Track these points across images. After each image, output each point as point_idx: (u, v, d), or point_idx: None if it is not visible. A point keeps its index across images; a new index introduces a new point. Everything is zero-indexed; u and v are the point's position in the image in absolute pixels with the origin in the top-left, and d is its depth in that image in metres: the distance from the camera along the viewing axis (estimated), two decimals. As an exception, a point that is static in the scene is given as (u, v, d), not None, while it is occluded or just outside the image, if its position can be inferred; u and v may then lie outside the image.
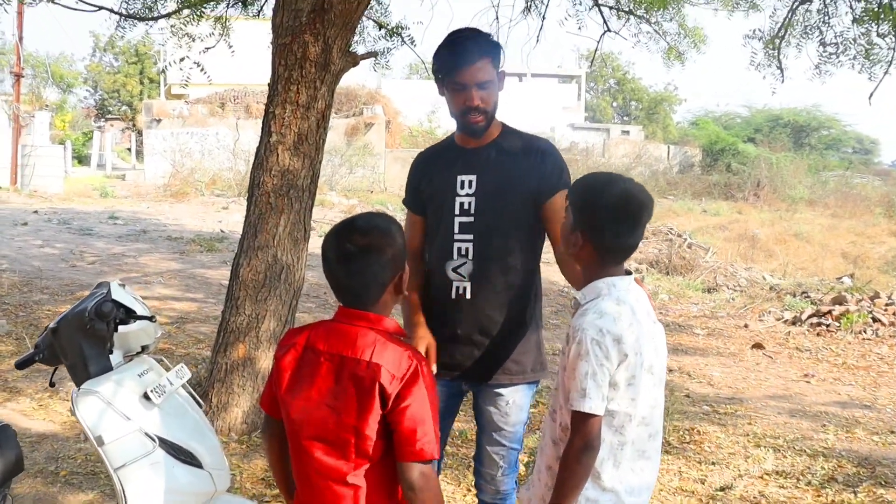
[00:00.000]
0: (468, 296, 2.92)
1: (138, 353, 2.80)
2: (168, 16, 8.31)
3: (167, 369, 2.79)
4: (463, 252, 2.92)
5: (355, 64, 5.21)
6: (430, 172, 3.09)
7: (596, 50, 10.38)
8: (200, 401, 2.89)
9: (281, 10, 4.88)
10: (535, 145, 3.00)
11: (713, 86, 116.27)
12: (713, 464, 5.08)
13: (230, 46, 8.40)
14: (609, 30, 9.55)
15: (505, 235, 2.92)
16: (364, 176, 26.60)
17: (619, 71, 60.66)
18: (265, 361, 4.87)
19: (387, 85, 34.81)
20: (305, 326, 2.22)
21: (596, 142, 37.85)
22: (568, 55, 56.89)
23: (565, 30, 10.44)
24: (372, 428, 2.04)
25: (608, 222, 2.26)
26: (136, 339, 2.73)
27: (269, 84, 5.04)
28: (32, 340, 6.93)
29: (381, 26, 8.46)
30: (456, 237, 2.94)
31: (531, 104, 43.65)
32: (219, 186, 24.31)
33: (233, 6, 8.43)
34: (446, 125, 33.14)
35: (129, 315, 2.66)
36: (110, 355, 2.65)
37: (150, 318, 2.72)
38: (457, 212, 2.94)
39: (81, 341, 2.61)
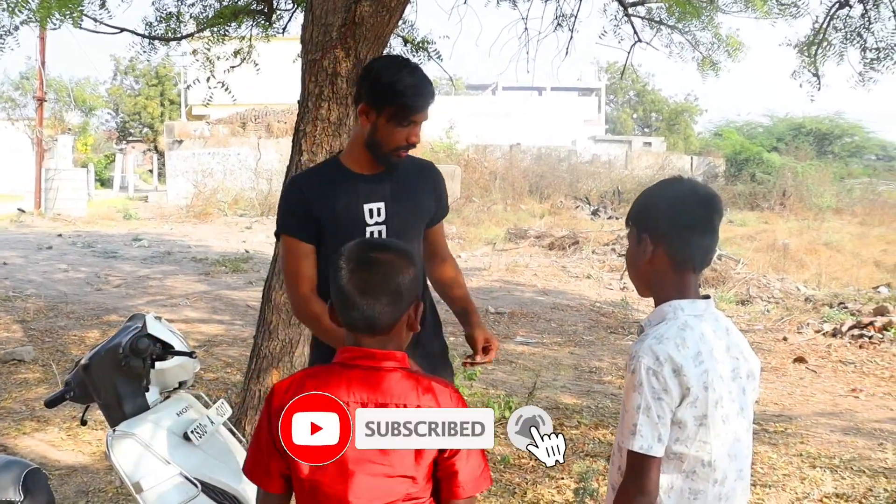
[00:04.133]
0: None
1: (175, 390, 2.64)
2: (190, 36, 8.24)
3: (207, 406, 2.62)
4: None
5: (386, 79, 5.05)
6: (326, 198, 2.80)
7: (626, 61, 10.21)
8: (242, 438, 2.72)
9: (310, 26, 4.74)
10: (426, 166, 2.98)
11: (733, 95, 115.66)
12: (768, 486, 4.85)
13: (256, 65, 8.30)
14: (640, 41, 9.39)
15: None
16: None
17: (638, 82, 60.46)
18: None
19: (407, 101, 34.75)
20: (301, 376, 1.91)
21: (618, 154, 37.60)
22: (587, 68, 56.59)
23: (595, 42, 10.29)
24: (424, 472, 1.82)
25: (678, 220, 2.05)
26: (173, 376, 2.57)
27: (298, 101, 4.89)
28: (59, 367, 6.83)
29: (406, 41, 8.32)
30: None
31: (551, 118, 43.59)
32: (241, 206, 24.30)
33: (256, 26, 8.33)
34: (466, 139, 33.04)
35: (165, 350, 2.50)
36: (146, 393, 2.49)
37: (190, 354, 2.55)
38: None
39: (116, 379, 2.45)
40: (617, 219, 24.36)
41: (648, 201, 2.13)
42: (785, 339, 9.66)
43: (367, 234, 2.78)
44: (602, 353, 8.64)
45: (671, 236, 2.05)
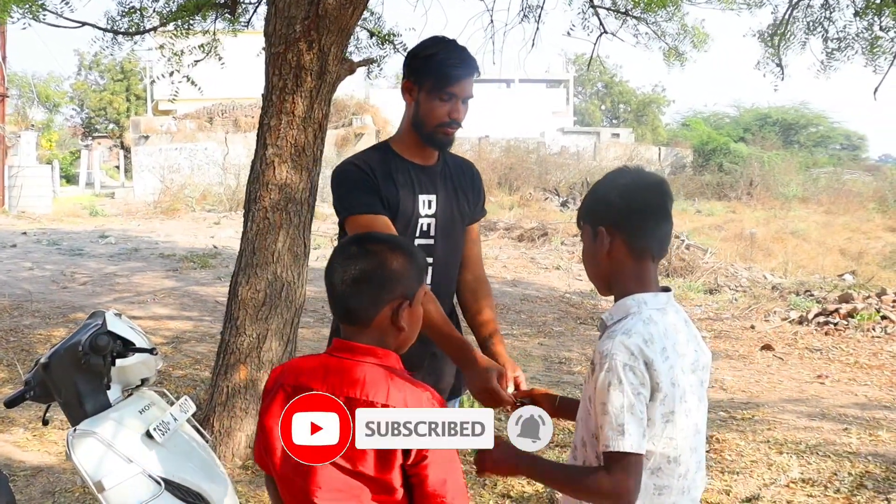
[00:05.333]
0: None
1: (138, 387, 2.60)
2: (154, 30, 8.14)
3: (170, 403, 2.59)
4: None
5: (352, 72, 5.03)
6: (389, 182, 2.75)
7: (592, 53, 10.24)
8: (207, 435, 2.69)
9: (273, 19, 4.70)
10: (468, 165, 2.99)
11: (700, 86, 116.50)
12: (736, 473, 4.89)
13: (220, 59, 8.22)
14: (606, 31, 9.41)
15: (455, 253, 2.91)
16: (355, 187, 26.37)
17: (606, 74, 60.72)
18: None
19: (375, 95, 34.62)
20: (294, 362, 1.94)
21: (586, 146, 37.73)
22: (555, 59, 56.68)
23: (561, 34, 10.30)
24: (396, 479, 1.76)
25: (635, 210, 2.02)
26: (135, 373, 2.53)
27: (262, 95, 4.85)
28: (24, 367, 6.73)
29: (372, 34, 8.28)
30: None
31: (520, 110, 43.60)
32: (209, 202, 24.09)
33: (220, 19, 8.26)
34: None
35: (126, 347, 2.46)
36: (108, 391, 2.45)
37: (151, 351, 2.51)
38: (418, 233, 2.79)
39: (76, 377, 2.41)
40: (586, 210, 24.46)
41: (599, 195, 2.09)
42: (752, 327, 9.76)
43: (419, 226, 2.77)
44: (571, 344, 8.67)
45: (628, 225, 2.02)
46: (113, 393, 2.48)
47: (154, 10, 8.03)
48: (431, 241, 2.78)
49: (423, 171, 2.80)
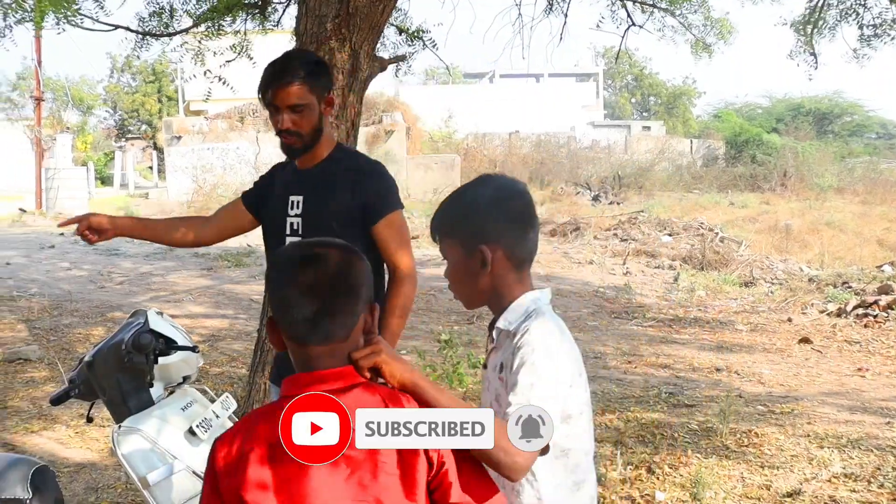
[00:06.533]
0: None
1: (179, 385, 2.63)
2: (185, 31, 8.20)
3: (212, 400, 2.62)
4: None
5: (383, 69, 5.04)
6: (274, 184, 3.06)
7: (620, 46, 10.22)
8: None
9: (304, 17, 4.72)
10: (359, 165, 2.98)
11: (731, 77, 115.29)
12: (776, 468, 4.84)
13: (251, 59, 8.26)
14: (633, 24, 9.37)
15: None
16: (387, 184, 26.41)
17: (635, 67, 60.32)
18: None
19: (404, 91, 34.67)
20: (244, 422, 1.71)
21: (617, 139, 37.53)
22: (584, 53, 56.44)
23: (589, 28, 10.26)
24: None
25: (508, 222, 1.94)
26: (177, 371, 2.56)
27: (295, 94, 4.86)
28: (65, 366, 6.83)
29: (401, 31, 8.29)
30: None
31: (549, 104, 43.47)
32: (242, 201, 24.21)
33: (250, 19, 8.30)
34: (465, 128, 32.99)
35: (168, 346, 2.49)
36: (150, 388, 2.49)
37: (192, 349, 2.54)
38: (287, 231, 2.90)
39: (119, 375, 2.45)
40: (618, 204, 24.33)
41: (466, 208, 1.96)
42: (789, 319, 9.66)
43: (287, 225, 2.88)
44: (606, 339, 8.63)
45: (506, 237, 1.94)
46: (155, 391, 2.51)
47: (185, 11, 8.10)
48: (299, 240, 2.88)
49: (298, 174, 2.96)
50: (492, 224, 1.92)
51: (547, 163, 30.00)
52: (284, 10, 8.39)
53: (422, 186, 25.33)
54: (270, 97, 2.81)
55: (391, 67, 6.70)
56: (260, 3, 7.72)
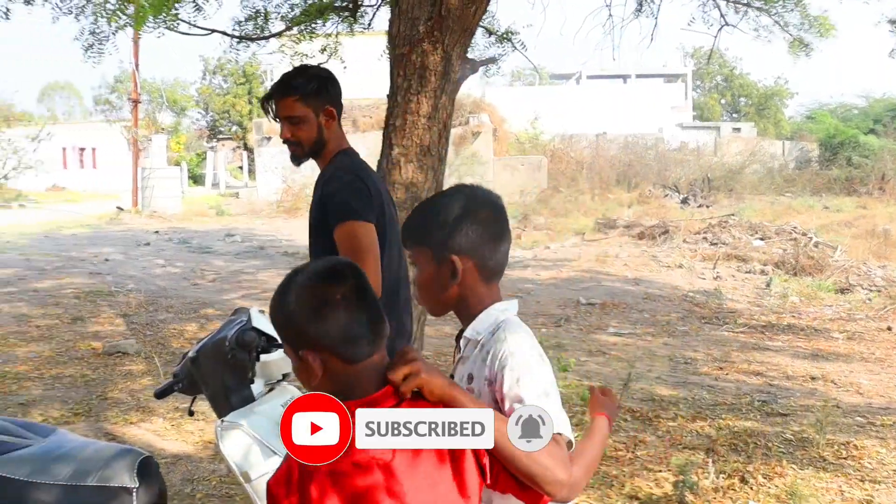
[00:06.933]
0: None
1: (279, 382, 2.69)
2: (278, 35, 8.36)
3: (310, 398, 2.66)
4: None
5: (474, 71, 5.07)
6: None
7: (713, 46, 10.03)
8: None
9: (397, 20, 4.76)
10: (334, 175, 3.02)
11: (825, 77, 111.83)
12: (878, 482, 4.68)
13: (343, 62, 8.38)
14: (727, 24, 9.17)
15: (322, 255, 2.79)
16: (472, 185, 26.41)
17: (725, 67, 59.10)
18: (395, 380, 4.73)
19: (490, 93, 34.69)
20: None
21: (707, 141, 36.83)
22: (673, 54, 55.64)
23: (680, 28, 10.10)
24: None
25: (480, 232, 1.92)
26: (277, 368, 2.61)
27: (387, 96, 4.92)
28: (160, 359, 7.05)
29: (490, 32, 8.29)
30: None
31: (637, 105, 42.95)
32: (330, 201, 24.58)
33: (341, 22, 8.41)
34: (551, 130, 32.82)
35: (270, 343, 2.55)
36: (251, 385, 2.54)
37: (293, 347, 2.59)
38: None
39: (222, 371, 2.51)
40: (708, 207, 23.87)
41: (439, 218, 1.93)
42: (889, 328, 9.33)
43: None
44: (696, 344, 8.47)
45: (480, 250, 1.92)
46: (256, 387, 2.57)
47: (278, 15, 8.26)
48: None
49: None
50: (464, 235, 1.91)
51: (634, 165, 29.63)
52: (375, 13, 8.49)
53: (508, 188, 25.27)
54: (273, 109, 3.02)
55: (480, 69, 6.72)
56: (351, 6, 7.82)
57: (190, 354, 2.61)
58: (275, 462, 2.39)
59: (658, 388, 6.62)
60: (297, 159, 3.14)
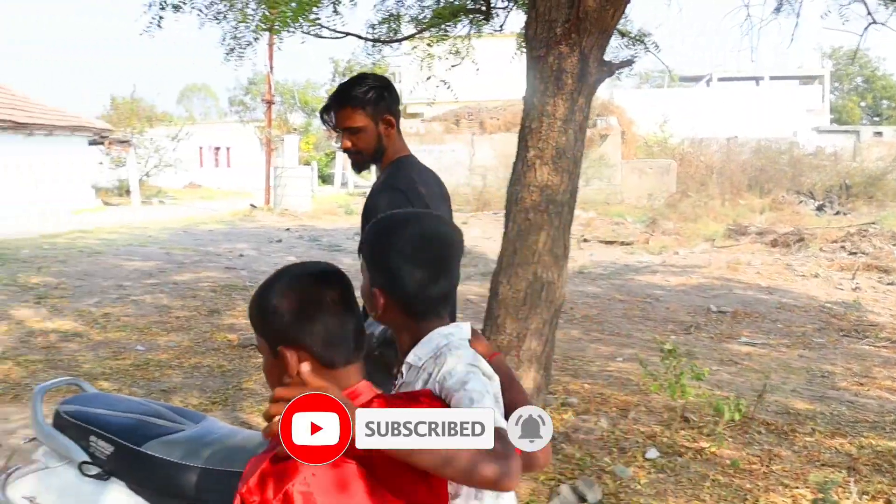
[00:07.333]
0: None
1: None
2: (411, 37, 8.49)
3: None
4: None
5: (611, 73, 5.00)
6: None
7: (858, 45, 9.62)
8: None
9: (534, 23, 4.76)
10: (389, 182, 3.02)
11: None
12: None
13: (475, 63, 8.45)
14: (874, 21, 8.77)
15: None
16: (600, 188, 26.21)
17: (867, 68, 56.52)
18: (527, 382, 4.74)
19: (618, 95, 34.24)
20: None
21: (845, 145, 35.31)
22: (810, 54, 53.58)
23: (820, 27, 9.73)
24: None
25: (406, 271, 1.89)
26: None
27: (523, 98, 4.93)
28: (292, 354, 7.25)
29: (623, 34, 8.19)
30: None
31: (770, 108, 41.59)
32: (456, 202, 24.55)
33: (472, 24, 8.47)
34: (680, 133, 32.17)
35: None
36: (394, 381, 2.60)
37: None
38: None
39: (369, 367, 2.57)
40: (846, 214, 22.90)
41: (383, 246, 1.94)
42: None
43: None
44: (834, 357, 8.13)
45: (413, 281, 1.90)
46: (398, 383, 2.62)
47: (410, 18, 8.39)
48: None
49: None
50: (390, 270, 1.91)
51: (767, 170, 28.68)
52: (507, 16, 8.52)
53: (636, 191, 24.94)
54: (332, 120, 3.05)
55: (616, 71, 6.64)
56: (484, 7, 7.87)
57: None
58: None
59: (794, 402, 6.39)
60: (358, 167, 3.20)
